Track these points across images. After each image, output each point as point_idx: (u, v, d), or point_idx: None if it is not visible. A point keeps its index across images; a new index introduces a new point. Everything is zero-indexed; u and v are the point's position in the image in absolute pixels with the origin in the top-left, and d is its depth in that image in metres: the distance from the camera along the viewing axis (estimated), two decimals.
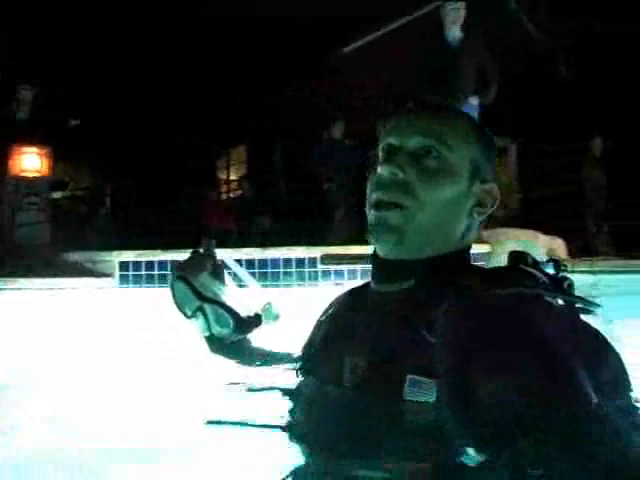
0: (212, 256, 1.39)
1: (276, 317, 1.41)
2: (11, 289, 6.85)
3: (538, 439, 0.91)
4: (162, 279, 7.14)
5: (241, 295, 1.39)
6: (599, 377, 1.00)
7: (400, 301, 1.14)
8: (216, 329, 1.31)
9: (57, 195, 12.75)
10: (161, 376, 4.52)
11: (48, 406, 4.20)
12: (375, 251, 1.20)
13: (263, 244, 8.83)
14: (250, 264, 6.19)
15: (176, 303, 1.34)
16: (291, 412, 1.24)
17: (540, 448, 0.91)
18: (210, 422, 1.32)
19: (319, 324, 1.31)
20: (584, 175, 10.23)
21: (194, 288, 1.31)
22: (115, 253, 7.65)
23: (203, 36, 13.95)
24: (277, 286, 6.69)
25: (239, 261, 1.53)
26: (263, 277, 6.13)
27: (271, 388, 1.34)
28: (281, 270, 7.94)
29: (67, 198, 13.11)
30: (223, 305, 1.31)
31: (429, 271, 1.14)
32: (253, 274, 1.55)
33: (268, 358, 1.40)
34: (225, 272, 1.40)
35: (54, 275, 7.42)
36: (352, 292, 1.31)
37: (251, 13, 13.49)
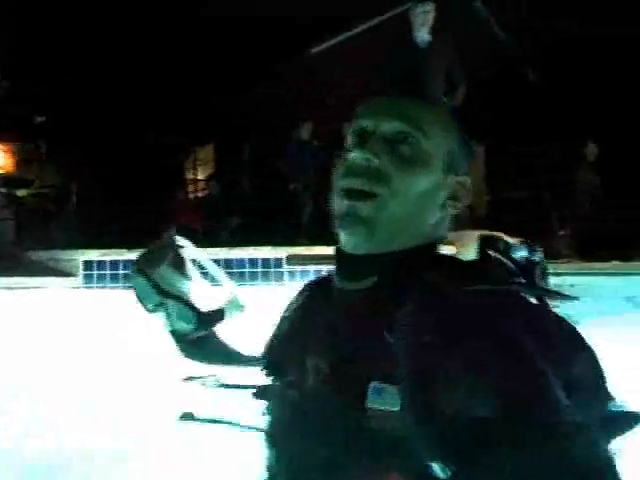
0: (173, 246, 1.33)
1: (242, 307, 1.37)
2: None
3: (505, 444, 0.88)
4: (127, 278, 7.08)
5: (204, 288, 1.35)
6: (571, 376, 0.96)
7: (363, 299, 1.09)
8: (178, 324, 1.27)
9: (21, 192, 12.60)
10: (127, 375, 4.49)
11: (15, 406, 4.15)
12: (339, 246, 1.13)
13: (230, 244, 8.78)
14: (215, 264, 6.17)
15: (137, 297, 1.30)
16: (260, 413, 1.21)
17: (508, 454, 0.88)
18: (183, 417, 1.27)
19: (283, 320, 1.25)
20: (578, 178, 10.38)
21: (153, 282, 1.26)
22: (79, 252, 7.57)
23: (172, 35, 13.87)
24: (243, 286, 6.68)
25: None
26: (228, 277, 6.11)
27: (237, 386, 1.30)
28: (247, 270, 7.92)
29: (33, 195, 12.95)
30: (184, 301, 1.27)
31: (393, 266, 1.09)
32: None
33: (240, 358, 1.34)
34: (199, 271, 1.36)
35: (18, 274, 7.33)
36: (316, 286, 1.23)
37: (222, 12, 13.45)
